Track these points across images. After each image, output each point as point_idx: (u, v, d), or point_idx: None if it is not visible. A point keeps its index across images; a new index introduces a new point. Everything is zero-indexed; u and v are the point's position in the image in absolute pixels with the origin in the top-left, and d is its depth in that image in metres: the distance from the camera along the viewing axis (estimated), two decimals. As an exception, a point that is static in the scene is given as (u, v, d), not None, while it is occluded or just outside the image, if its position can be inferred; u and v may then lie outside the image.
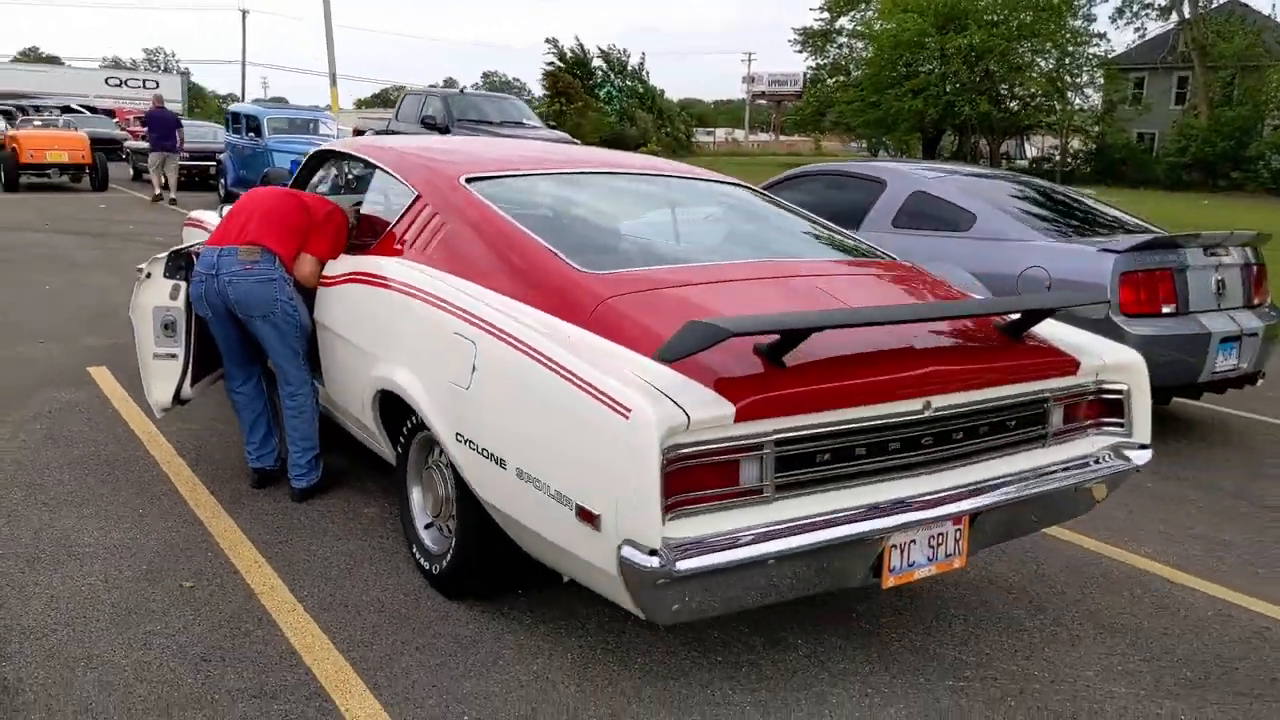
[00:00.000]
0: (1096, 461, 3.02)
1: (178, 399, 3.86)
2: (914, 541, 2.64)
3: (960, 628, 3.19)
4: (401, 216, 3.49)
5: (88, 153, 17.50)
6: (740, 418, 2.28)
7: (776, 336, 2.40)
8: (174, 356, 3.73)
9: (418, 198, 3.42)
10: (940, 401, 2.65)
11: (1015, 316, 2.98)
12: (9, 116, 22.42)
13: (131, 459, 4.31)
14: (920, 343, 2.70)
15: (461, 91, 17.20)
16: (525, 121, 16.76)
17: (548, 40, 59.47)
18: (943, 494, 2.65)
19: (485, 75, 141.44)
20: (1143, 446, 3.14)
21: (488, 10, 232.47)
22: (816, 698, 2.76)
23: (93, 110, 28.29)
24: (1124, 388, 3.09)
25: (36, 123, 20.05)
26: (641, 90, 64.51)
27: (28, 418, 4.82)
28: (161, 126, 15.72)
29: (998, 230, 5.45)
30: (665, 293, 2.76)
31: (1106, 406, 3.10)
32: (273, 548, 3.51)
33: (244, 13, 72.01)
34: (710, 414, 2.24)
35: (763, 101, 76.96)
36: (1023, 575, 3.61)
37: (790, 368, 2.44)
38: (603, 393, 2.27)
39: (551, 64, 58.56)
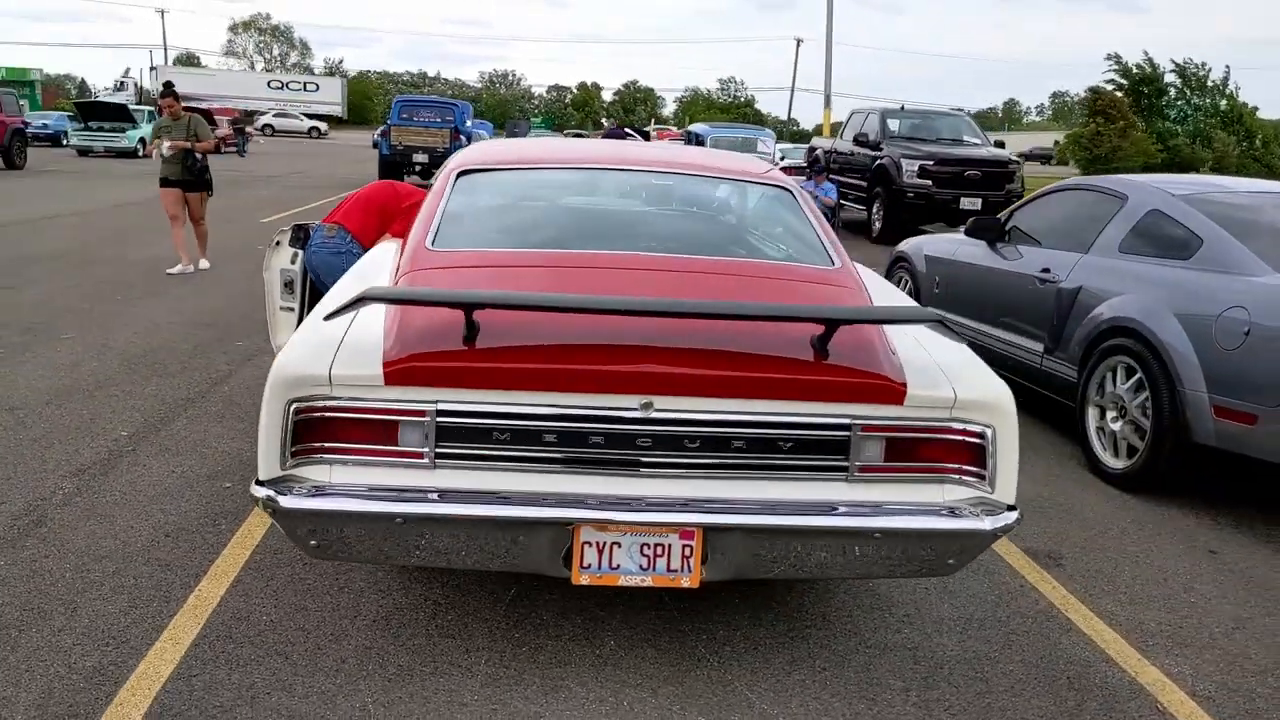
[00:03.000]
0: (946, 514, 2.54)
1: (300, 346, 4.77)
2: (618, 544, 2.52)
3: (838, 684, 2.86)
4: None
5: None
6: (390, 381, 2.43)
7: (461, 313, 2.48)
8: (291, 309, 4.64)
9: (430, 188, 3.89)
10: (668, 404, 2.48)
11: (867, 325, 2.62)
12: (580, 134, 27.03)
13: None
14: (667, 341, 2.53)
15: (901, 108, 16.98)
16: (965, 138, 16.11)
17: (1108, 57, 54.51)
18: (660, 502, 2.49)
19: (1053, 96, 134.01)
20: (1009, 508, 2.56)
21: (1063, 27, 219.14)
22: (553, 687, 2.74)
23: None
24: (985, 431, 2.55)
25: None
26: (1226, 108, 56.72)
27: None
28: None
29: (1219, 259, 4.37)
30: (465, 271, 2.91)
31: (972, 452, 2.58)
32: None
33: (798, 41, 77.01)
34: (353, 373, 2.43)
35: None
36: (1003, 671, 3.06)
37: (485, 346, 2.49)
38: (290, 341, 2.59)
39: (1111, 81, 54.13)
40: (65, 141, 29.46)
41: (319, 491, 2.43)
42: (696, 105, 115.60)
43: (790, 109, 75.43)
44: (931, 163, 14.70)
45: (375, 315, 2.67)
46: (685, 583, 2.56)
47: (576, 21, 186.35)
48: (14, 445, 4.39)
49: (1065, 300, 5.14)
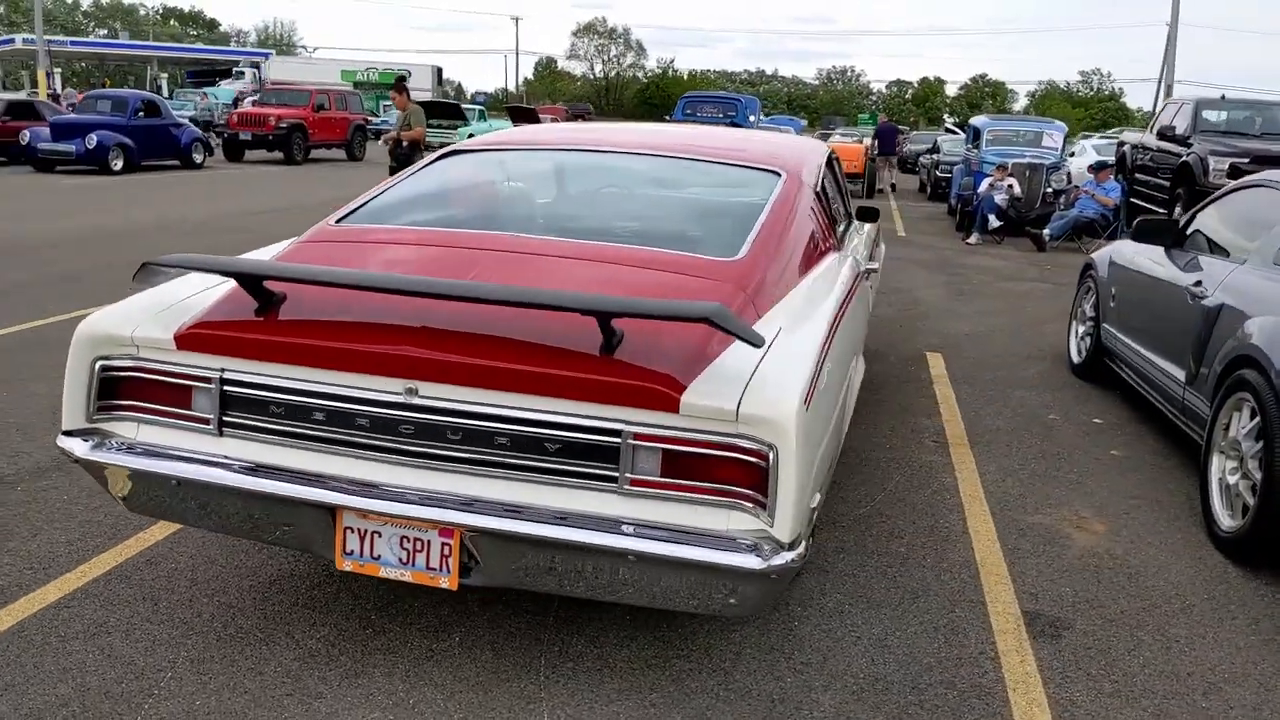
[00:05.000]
0: (712, 545, 2.19)
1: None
2: (379, 534, 2.41)
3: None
4: None
5: (860, 163, 19.75)
6: (180, 346, 2.48)
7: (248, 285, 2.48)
8: None
9: None
10: (432, 391, 2.33)
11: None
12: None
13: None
14: (439, 325, 2.37)
15: (1221, 98, 14.61)
16: (1296, 133, 13.62)
17: None
18: (416, 493, 2.35)
19: None
20: (791, 545, 2.14)
21: None
22: (357, 673, 2.68)
23: None
24: (766, 452, 2.15)
25: (838, 136, 23.33)
26: None
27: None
28: (886, 137, 20.45)
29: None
30: (338, 245, 2.95)
31: (756, 475, 2.19)
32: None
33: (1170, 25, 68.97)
34: (152, 336, 2.51)
35: None
36: None
37: (269, 318, 2.48)
38: None
39: None
40: (411, 137, 33.03)
41: (112, 446, 2.54)
42: (1052, 99, 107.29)
43: (1156, 101, 67.78)
44: (1246, 160, 12.54)
45: (226, 284, 2.74)
46: (444, 584, 2.39)
47: (926, 14, 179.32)
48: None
49: (1209, 320, 4.20)
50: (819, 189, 3.62)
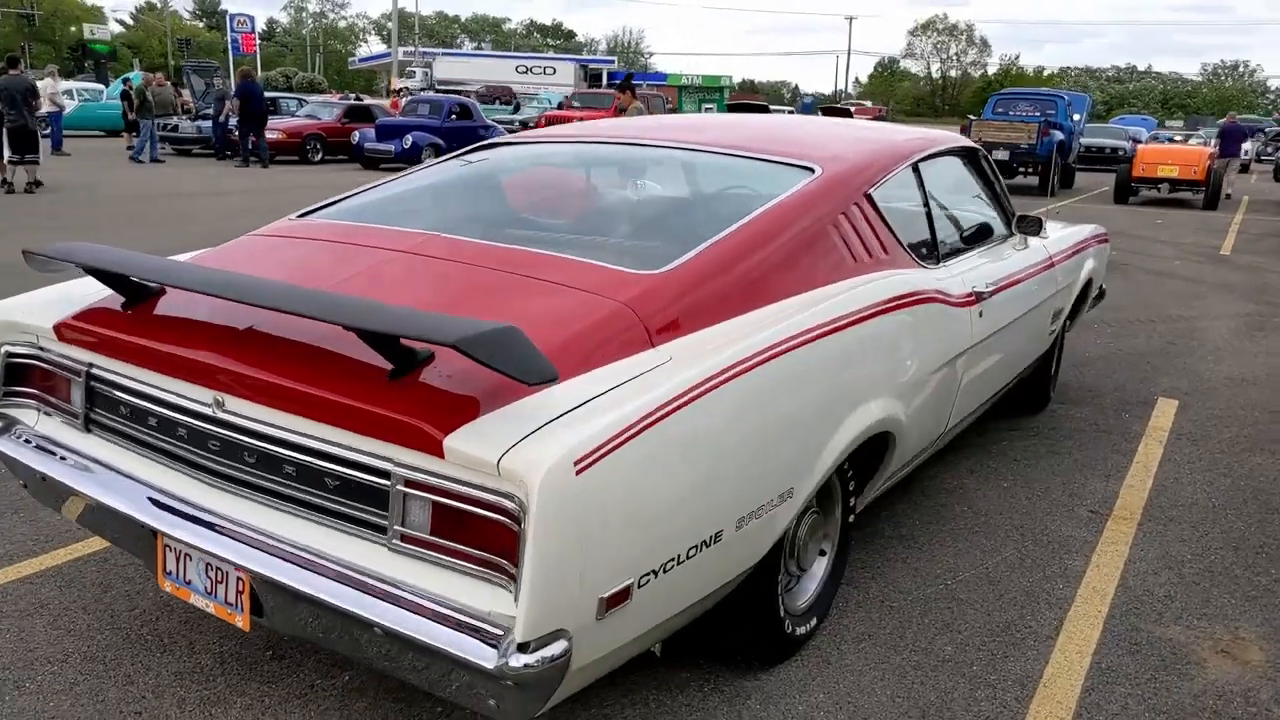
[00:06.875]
0: (458, 627, 1.76)
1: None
2: (190, 556, 2.19)
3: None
4: None
5: (1201, 169, 17.07)
6: (59, 338, 2.41)
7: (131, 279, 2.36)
8: None
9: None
10: (238, 407, 2.08)
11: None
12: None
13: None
14: (267, 329, 2.11)
15: None
16: None
17: None
18: (212, 519, 2.11)
19: None
20: (535, 646, 1.65)
21: None
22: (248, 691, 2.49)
23: None
24: (518, 513, 1.67)
25: (1177, 138, 20.38)
26: None
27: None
28: (1230, 137, 18.39)
29: None
30: (272, 239, 2.81)
31: (511, 543, 1.72)
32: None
33: None
34: (41, 325, 2.45)
35: None
36: None
37: (133, 316, 2.34)
38: None
39: None
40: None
41: (12, 434, 2.52)
42: None
43: None
44: None
45: None
46: (239, 622, 2.13)
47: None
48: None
49: None
50: (873, 193, 2.93)
